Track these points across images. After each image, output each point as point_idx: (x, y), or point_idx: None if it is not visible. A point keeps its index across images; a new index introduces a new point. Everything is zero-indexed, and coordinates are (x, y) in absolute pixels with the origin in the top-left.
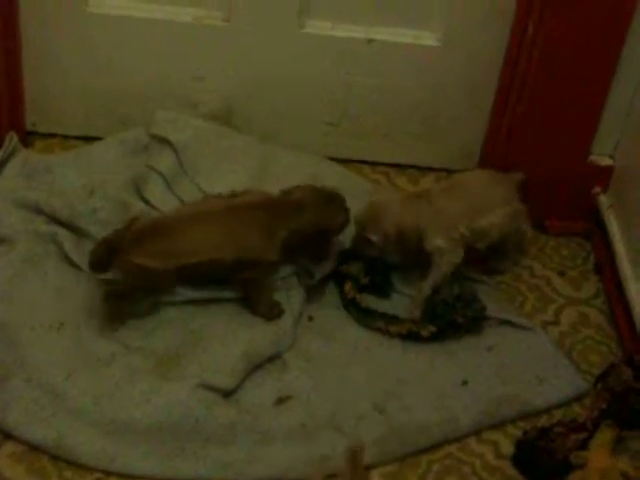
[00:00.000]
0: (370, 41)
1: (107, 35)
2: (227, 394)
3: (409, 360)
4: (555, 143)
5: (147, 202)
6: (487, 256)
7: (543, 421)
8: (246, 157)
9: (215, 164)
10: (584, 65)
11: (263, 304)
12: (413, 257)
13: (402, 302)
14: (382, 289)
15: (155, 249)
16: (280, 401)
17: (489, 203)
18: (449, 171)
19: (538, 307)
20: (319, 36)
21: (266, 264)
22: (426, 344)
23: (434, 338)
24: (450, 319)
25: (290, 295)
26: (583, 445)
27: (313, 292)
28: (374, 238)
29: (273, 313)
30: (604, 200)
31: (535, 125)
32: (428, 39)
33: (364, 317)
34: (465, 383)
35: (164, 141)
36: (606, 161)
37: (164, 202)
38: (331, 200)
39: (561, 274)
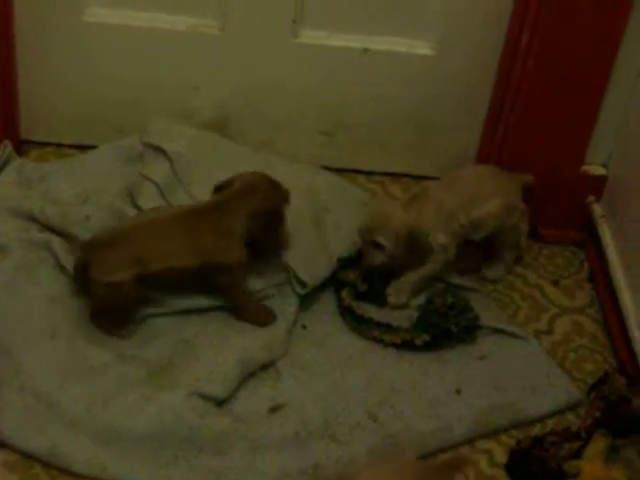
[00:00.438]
0: (365, 50)
1: (102, 44)
2: (220, 403)
3: (403, 369)
4: (549, 152)
5: (141, 211)
6: (481, 261)
7: (537, 430)
8: (240, 166)
9: (209, 173)
10: (578, 74)
11: (250, 310)
12: (418, 259)
13: (397, 311)
14: (379, 297)
15: (111, 260)
16: (274, 410)
17: (485, 193)
18: None
19: (531, 316)
20: (314, 45)
21: (235, 266)
22: (420, 353)
23: (428, 347)
24: (444, 328)
25: (284, 303)
26: (577, 454)
27: (307, 300)
28: (385, 242)
29: (264, 318)
30: (597, 209)
31: (529, 134)
32: (422, 48)
33: (358, 325)
34: (459, 392)
35: (158, 150)
36: (599, 170)
37: None
38: (269, 180)
39: (555, 283)
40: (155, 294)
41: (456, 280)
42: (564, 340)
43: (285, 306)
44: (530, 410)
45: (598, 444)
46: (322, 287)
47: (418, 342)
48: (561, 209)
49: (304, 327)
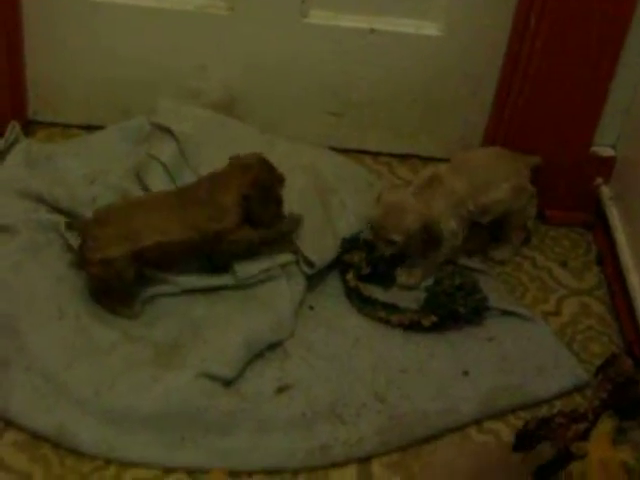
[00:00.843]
0: (372, 31)
1: (110, 24)
2: (227, 383)
3: (410, 350)
4: (557, 134)
5: (148, 191)
6: (488, 242)
7: (544, 411)
8: (248, 147)
9: (217, 154)
10: (586, 55)
11: (278, 237)
12: (431, 247)
13: (404, 293)
14: (384, 280)
15: (104, 237)
16: (281, 390)
17: (494, 178)
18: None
19: (539, 297)
20: (322, 26)
21: (234, 228)
22: (427, 334)
23: (435, 328)
24: (451, 309)
25: (291, 284)
26: (584, 435)
27: (314, 281)
28: (397, 238)
29: (294, 226)
30: (606, 191)
31: (537, 115)
32: (430, 29)
33: (365, 306)
34: (466, 373)
35: (166, 130)
36: (608, 152)
37: None
38: (264, 161)
39: (563, 265)
40: (157, 273)
41: (464, 261)
42: (572, 322)
43: (292, 286)
44: (537, 391)
45: (605, 426)
46: (328, 268)
47: (426, 323)
48: (569, 191)
49: (311, 308)
